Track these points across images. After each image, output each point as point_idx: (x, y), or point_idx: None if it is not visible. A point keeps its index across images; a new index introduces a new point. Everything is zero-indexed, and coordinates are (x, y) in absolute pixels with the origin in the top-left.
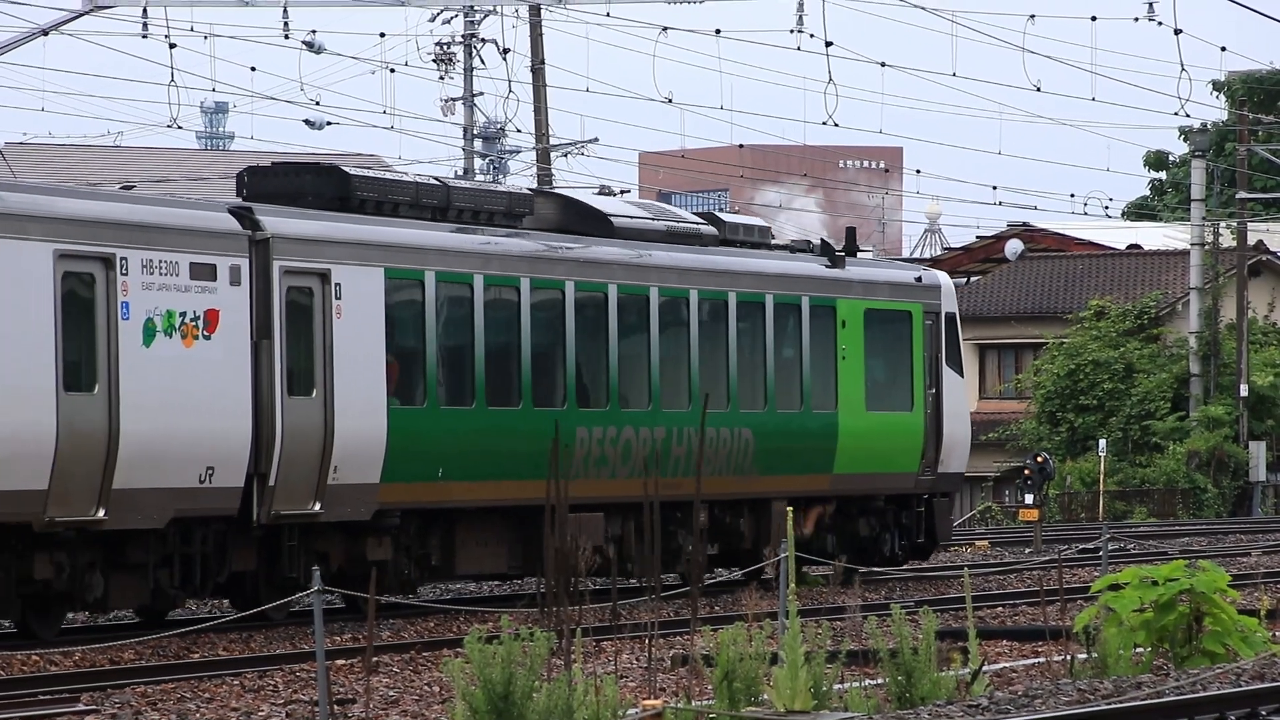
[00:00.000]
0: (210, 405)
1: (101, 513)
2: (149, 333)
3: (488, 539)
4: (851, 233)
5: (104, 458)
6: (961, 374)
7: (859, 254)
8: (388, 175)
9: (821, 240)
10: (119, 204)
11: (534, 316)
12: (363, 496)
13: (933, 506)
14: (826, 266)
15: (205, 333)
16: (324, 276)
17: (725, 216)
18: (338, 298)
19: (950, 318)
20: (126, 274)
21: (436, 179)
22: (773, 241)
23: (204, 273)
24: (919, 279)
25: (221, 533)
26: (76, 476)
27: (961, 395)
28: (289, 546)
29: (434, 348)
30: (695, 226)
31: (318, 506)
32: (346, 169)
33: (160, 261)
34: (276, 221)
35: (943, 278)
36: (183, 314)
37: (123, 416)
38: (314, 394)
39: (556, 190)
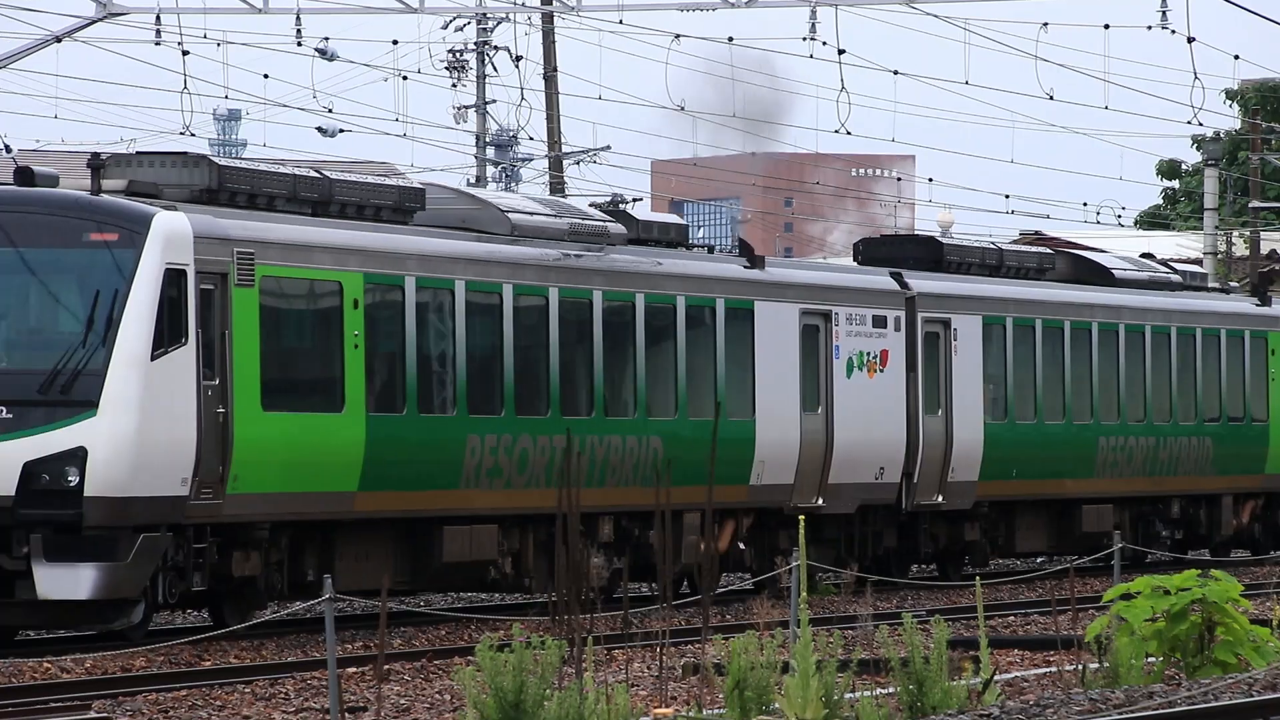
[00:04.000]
0: (883, 421)
1: (820, 501)
2: (849, 367)
3: (1034, 524)
4: (1266, 277)
5: (823, 460)
6: None
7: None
8: (965, 243)
9: (1251, 284)
10: (833, 273)
11: (1072, 351)
12: (967, 491)
13: None
14: (1257, 305)
15: (880, 367)
16: (946, 323)
17: (1178, 265)
18: (955, 339)
19: None
20: (837, 325)
21: (992, 243)
22: (1209, 285)
23: (880, 322)
24: None
25: (881, 518)
26: (808, 474)
27: None
28: (923, 529)
29: (1011, 375)
30: (1167, 275)
31: (940, 499)
32: (940, 239)
33: (855, 315)
34: (919, 282)
35: None
36: (867, 353)
37: (835, 430)
38: (939, 412)
39: (1064, 250)
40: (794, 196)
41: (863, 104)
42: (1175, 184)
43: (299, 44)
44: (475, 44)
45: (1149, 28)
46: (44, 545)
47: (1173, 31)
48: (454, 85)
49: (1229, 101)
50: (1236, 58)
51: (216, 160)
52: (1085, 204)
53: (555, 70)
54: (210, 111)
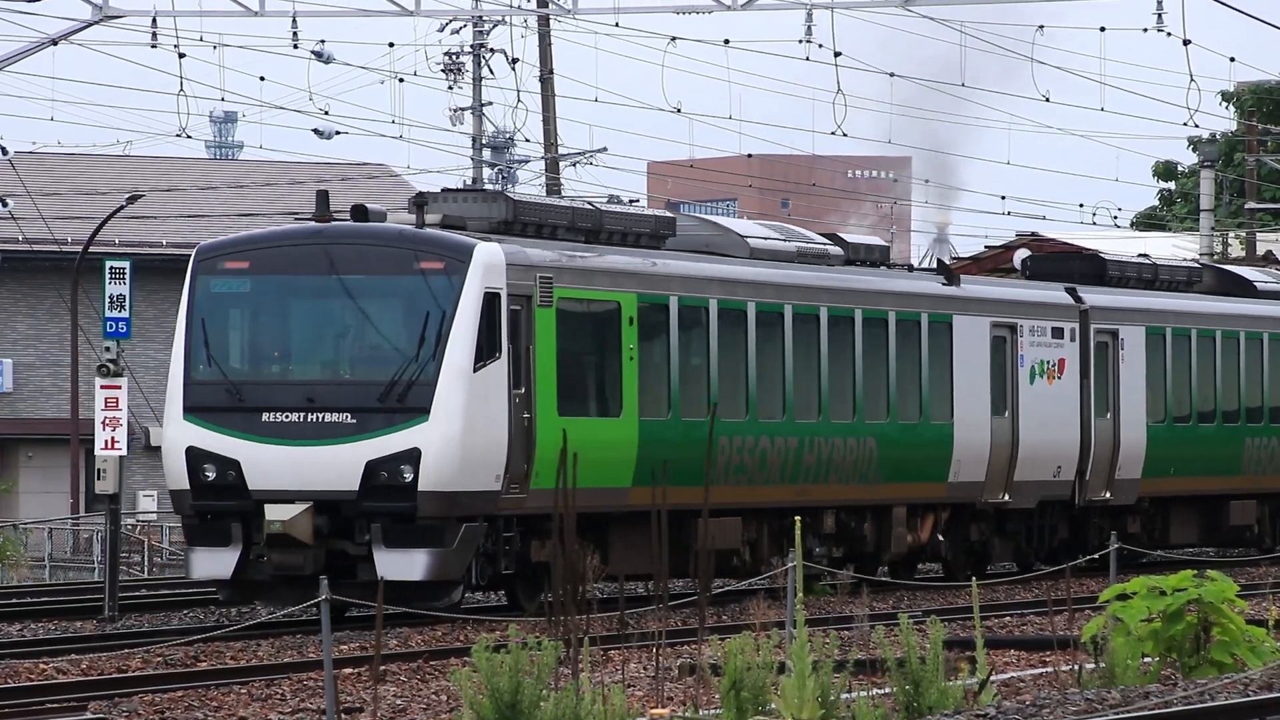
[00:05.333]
0: (1060, 425)
1: (1006, 497)
2: (1032, 375)
3: (1187, 519)
4: None
5: (1009, 459)
6: None
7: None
8: (1128, 258)
9: None
10: (1016, 289)
11: (1222, 357)
12: (1131, 488)
13: None
14: None
15: (1058, 374)
16: (1114, 334)
17: None
18: (1122, 348)
19: None
20: (1022, 336)
21: (1143, 258)
22: None
23: (1057, 333)
24: None
25: (1056, 513)
26: (996, 472)
27: None
28: (1093, 523)
29: (1170, 381)
30: None
31: (1108, 495)
32: (1104, 255)
33: (1036, 327)
34: (1091, 297)
35: None
36: (1047, 362)
37: (1020, 432)
38: (1107, 415)
39: (1209, 265)
40: (790, 198)
41: (859, 106)
42: (1171, 185)
43: (295, 46)
44: (471, 46)
45: (1145, 30)
46: (383, 533)
47: (1168, 34)
48: (450, 87)
49: (1225, 103)
50: (1232, 60)
51: (512, 196)
52: (1081, 205)
53: (551, 72)
54: (206, 114)
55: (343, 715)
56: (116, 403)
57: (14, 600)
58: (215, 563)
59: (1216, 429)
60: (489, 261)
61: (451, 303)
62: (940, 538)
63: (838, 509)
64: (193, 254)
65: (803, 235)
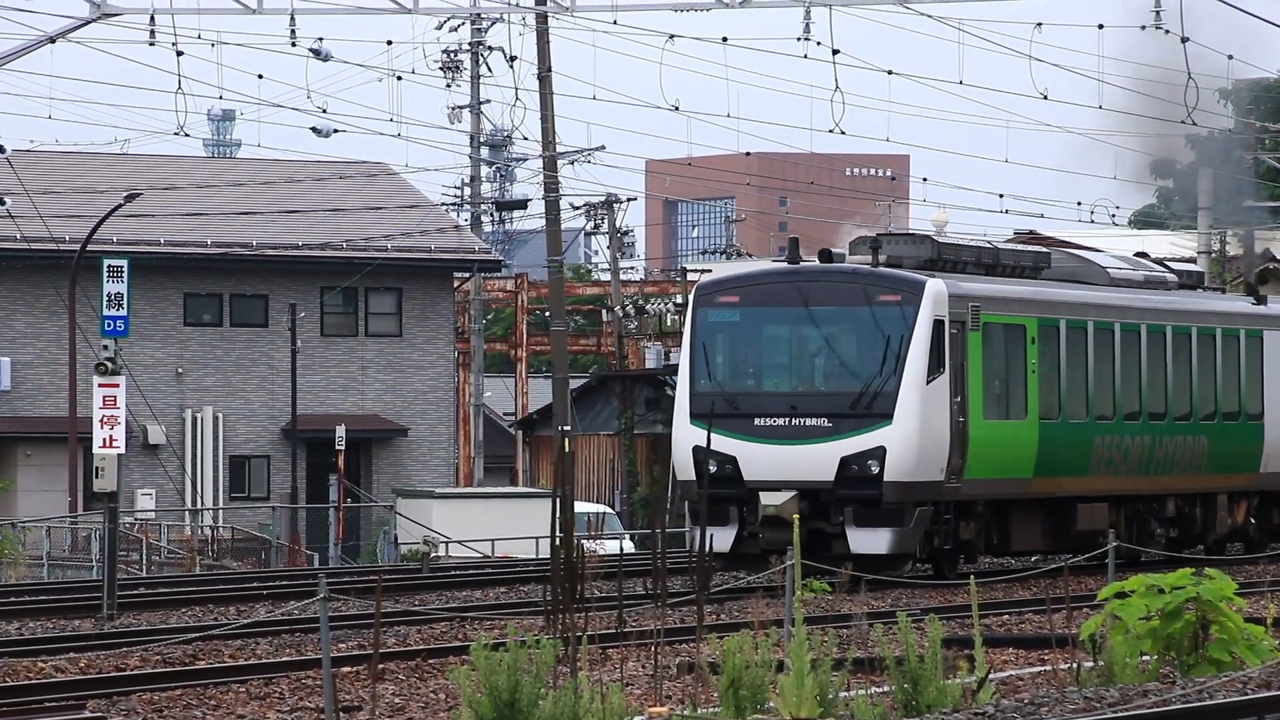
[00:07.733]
0: None
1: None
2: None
3: None
4: (1260, 276)
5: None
6: None
7: None
8: None
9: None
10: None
11: None
12: None
13: None
14: None
15: None
16: None
17: None
18: None
19: None
20: None
21: None
22: None
23: None
24: None
25: None
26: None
27: None
28: None
29: None
30: None
31: None
32: None
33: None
34: None
35: None
36: None
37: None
38: None
39: None
40: (788, 196)
41: (857, 104)
42: (1169, 183)
43: (293, 44)
44: (470, 44)
45: (1143, 28)
46: (854, 515)
47: (1167, 31)
48: (448, 85)
49: (1223, 101)
50: (1230, 57)
51: (936, 238)
52: (1079, 203)
53: (549, 70)
54: (205, 112)
55: (341, 714)
56: (114, 401)
57: (12, 599)
58: (718, 539)
59: None
60: (937, 294)
61: (908, 328)
62: (1253, 520)
63: (1176, 496)
64: (693, 290)
65: (1142, 263)
